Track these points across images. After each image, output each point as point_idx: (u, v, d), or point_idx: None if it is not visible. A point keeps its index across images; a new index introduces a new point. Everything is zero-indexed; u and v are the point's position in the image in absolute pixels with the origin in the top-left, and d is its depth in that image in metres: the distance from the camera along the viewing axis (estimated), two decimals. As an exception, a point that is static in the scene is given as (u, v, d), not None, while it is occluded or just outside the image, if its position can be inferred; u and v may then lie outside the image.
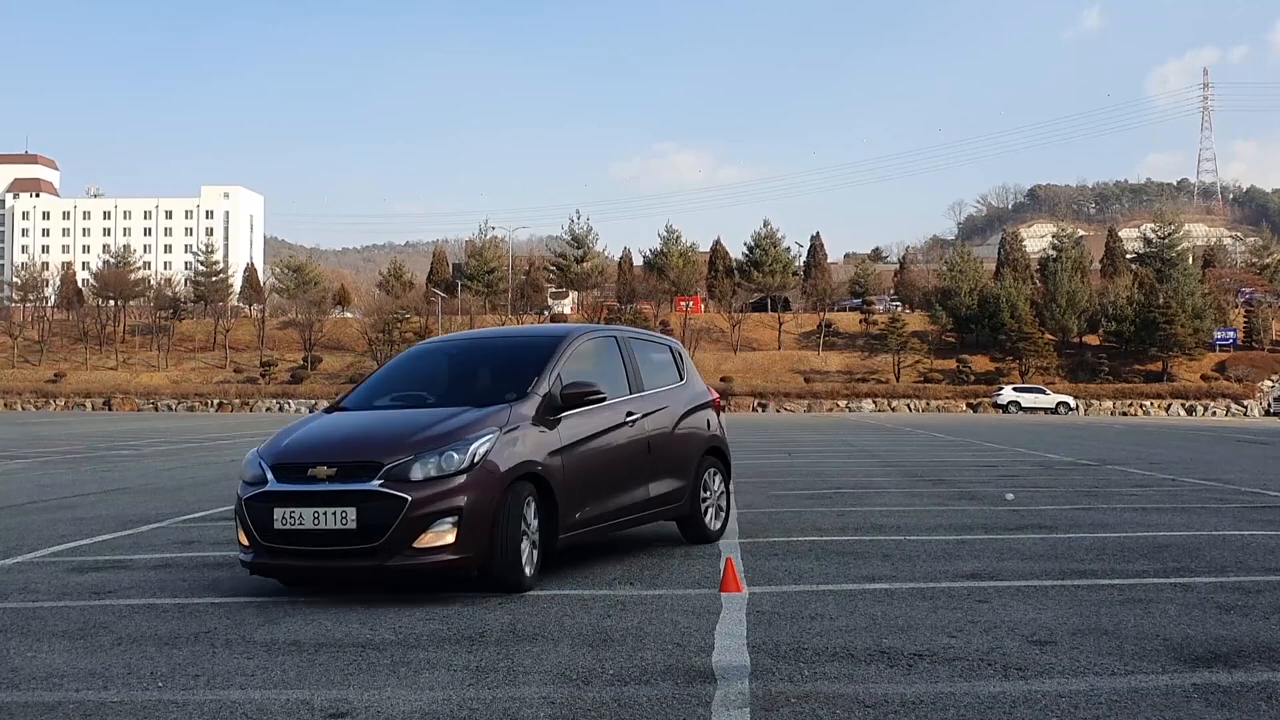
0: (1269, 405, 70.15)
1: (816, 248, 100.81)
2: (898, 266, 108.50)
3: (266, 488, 6.54)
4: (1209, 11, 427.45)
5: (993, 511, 11.16)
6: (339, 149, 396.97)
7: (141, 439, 29.36)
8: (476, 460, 6.47)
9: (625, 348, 8.44)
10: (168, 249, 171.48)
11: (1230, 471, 16.89)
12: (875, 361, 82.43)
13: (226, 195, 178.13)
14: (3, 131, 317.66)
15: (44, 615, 6.30)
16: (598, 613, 6.14)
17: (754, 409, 71.76)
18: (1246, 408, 70.48)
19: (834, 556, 8.13)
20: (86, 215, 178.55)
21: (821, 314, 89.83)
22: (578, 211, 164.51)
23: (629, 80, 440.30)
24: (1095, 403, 71.85)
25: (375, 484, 6.30)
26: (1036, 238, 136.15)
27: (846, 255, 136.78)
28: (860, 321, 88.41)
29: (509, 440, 6.71)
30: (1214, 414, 68.95)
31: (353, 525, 6.26)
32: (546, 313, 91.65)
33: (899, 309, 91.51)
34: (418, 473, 6.35)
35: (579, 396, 7.31)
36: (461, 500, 6.35)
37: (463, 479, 6.40)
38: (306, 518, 6.33)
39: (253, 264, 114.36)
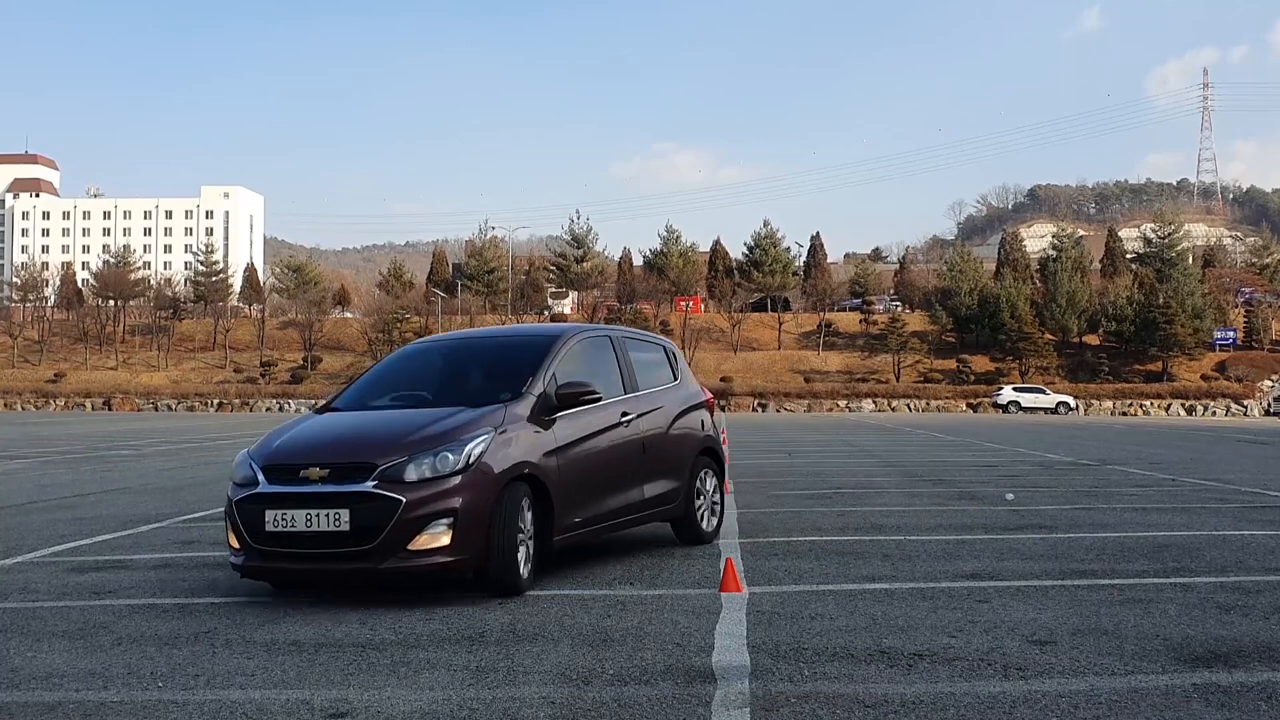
0: (1269, 405, 70.16)
1: (816, 248, 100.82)
2: (898, 266, 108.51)
3: (258, 489, 6.45)
4: (1209, 11, 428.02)
5: (993, 511, 11.16)
6: (339, 149, 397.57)
7: (141, 439, 29.36)
8: (472, 461, 6.39)
9: (619, 347, 8.36)
10: (168, 249, 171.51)
11: (1230, 471, 16.89)
12: (875, 361, 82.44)
13: (226, 195, 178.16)
14: (3, 131, 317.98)
15: (44, 615, 6.30)
16: (598, 613, 6.13)
17: (754, 409, 71.75)
18: (1246, 408, 70.49)
19: (834, 556, 8.12)
20: (86, 215, 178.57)
21: (821, 314, 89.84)
22: (578, 211, 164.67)
23: (629, 80, 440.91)
24: (1095, 403, 71.86)
25: (369, 485, 6.21)
26: (1036, 238, 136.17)
27: (846, 255, 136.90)
28: (860, 321, 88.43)
29: (504, 441, 6.62)
30: (1214, 414, 68.96)
31: (346, 527, 6.16)
32: (546, 313, 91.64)
33: (899, 309, 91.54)
34: (412, 474, 6.26)
35: (574, 396, 7.24)
36: (456, 502, 6.26)
37: (458, 480, 6.31)
38: (299, 520, 6.23)
39: (253, 264, 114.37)
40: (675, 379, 8.95)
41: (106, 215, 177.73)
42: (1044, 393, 69.68)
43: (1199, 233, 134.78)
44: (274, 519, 6.29)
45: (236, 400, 77.35)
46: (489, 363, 7.95)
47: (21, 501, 12.68)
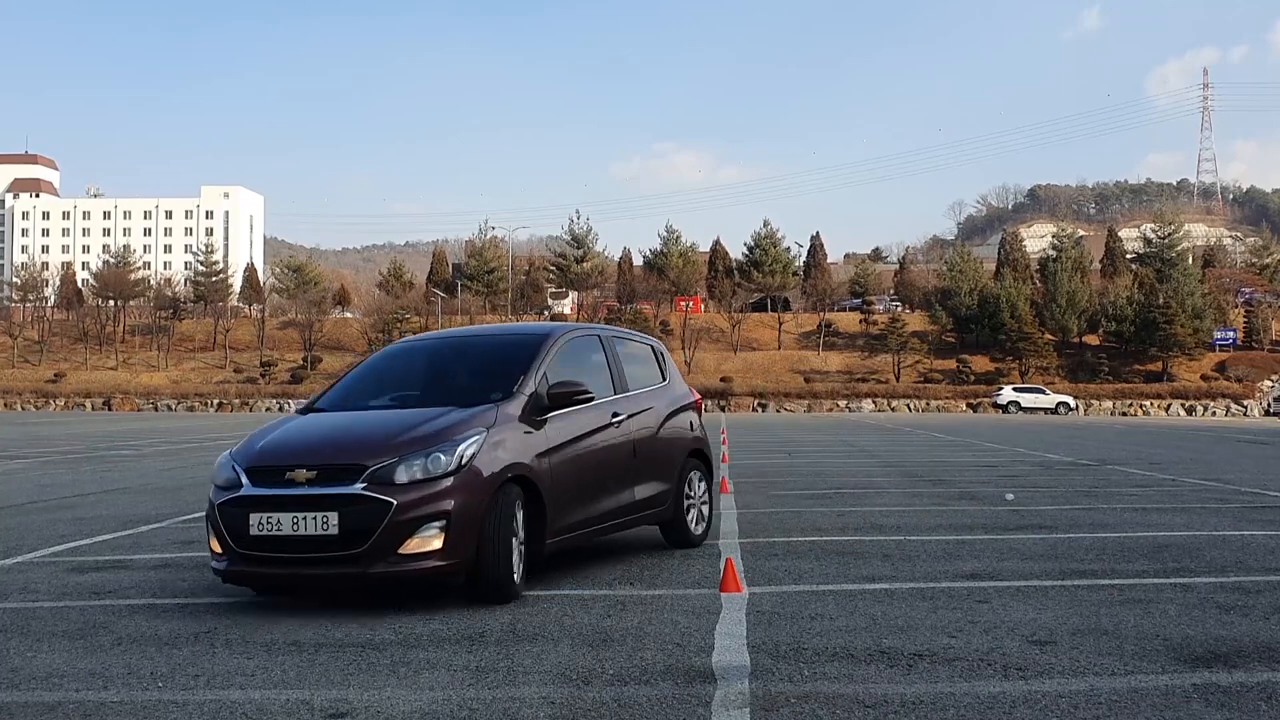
0: (1269, 405, 70.17)
1: (816, 248, 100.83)
2: (898, 266, 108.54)
3: (241, 492, 6.25)
4: (1209, 11, 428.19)
5: (993, 511, 11.16)
6: (339, 149, 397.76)
7: (141, 439, 29.36)
8: (464, 462, 6.22)
9: (609, 346, 8.19)
10: (168, 249, 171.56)
11: (1230, 471, 16.89)
12: (875, 361, 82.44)
13: (226, 195, 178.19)
14: (3, 131, 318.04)
15: (44, 615, 6.30)
16: (598, 613, 6.13)
17: (754, 409, 71.75)
18: (1246, 408, 70.49)
19: (834, 556, 8.12)
20: (86, 215, 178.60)
21: (821, 314, 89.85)
22: (578, 211, 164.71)
23: (629, 80, 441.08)
24: (1095, 403, 71.86)
25: (358, 487, 6.04)
26: (1036, 238, 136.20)
27: (846, 255, 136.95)
28: (860, 321, 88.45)
29: (496, 441, 6.46)
30: (1214, 414, 68.96)
31: (334, 531, 5.98)
32: (546, 312, 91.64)
33: (899, 309, 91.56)
34: (402, 475, 6.09)
35: (567, 396, 7.07)
36: (449, 504, 6.10)
37: (450, 482, 6.14)
38: (285, 523, 6.04)
39: (253, 264, 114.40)
40: (664, 379, 8.79)
41: (106, 215, 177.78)
42: (1044, 393, 69.69)
43: (1199, 233, 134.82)
44: (259, 522, 6.10)
45: (236, 400, 77.37)
46: (477, 362, 7.76)
47: (21, 501, 12.68)
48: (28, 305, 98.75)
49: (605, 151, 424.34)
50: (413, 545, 6.03)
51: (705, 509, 8.91)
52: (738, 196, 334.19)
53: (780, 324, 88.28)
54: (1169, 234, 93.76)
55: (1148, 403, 72.24)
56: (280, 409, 73.28)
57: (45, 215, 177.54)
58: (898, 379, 79.36)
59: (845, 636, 5.48)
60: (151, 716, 4.29)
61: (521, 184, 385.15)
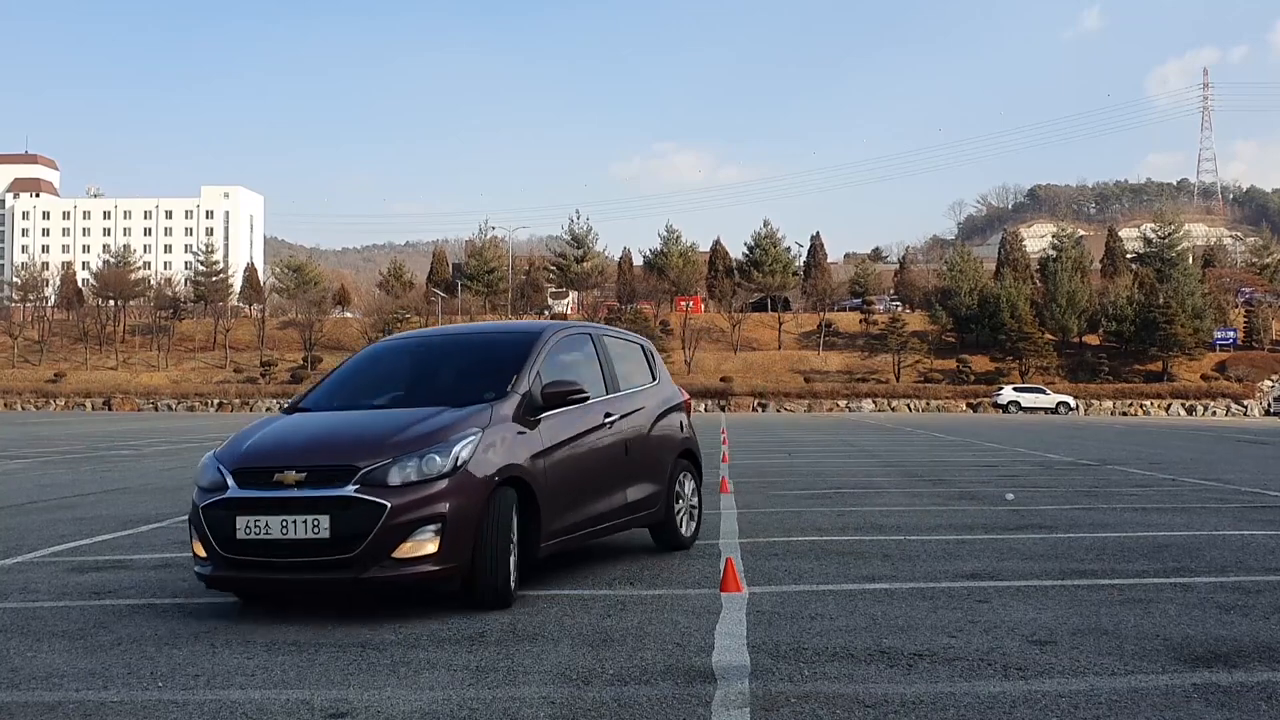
0: (1269, 405, 70.18)
1: (816, 248, 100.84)
2: (898, 266, 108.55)
3: (227, 494, 6.04)
4: (1209, 11, 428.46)
5: (993, 511, 11.16)
6: (339, 149, 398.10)
7: (141, 439, 29.36)
8: (460, 463, 6.04)
9: (600, 345, 8.01)
10: (168, 249, 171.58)
11: (1230, 471, 16.89)
12: (875, 361, 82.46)
13: (226, 195, 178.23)
14: (3, 131, 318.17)
15: (44, 615, 6.30)
16: (598, 613, 6.13)
17: (754, 409, 71.75)
18: (1246, 408, 70.50)
19: (834, 556, 8.12)
20: (86, 215, 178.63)
21: (821, 314, 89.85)
22: (578, 211, 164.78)
23: (629, 80, 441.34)
24: (1095, 403, 71.88)
25: (350, 489, 5.84)
26: (1036, 238, 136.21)
27: (846, 255, 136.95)
28: (860, 321, 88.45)
29: (491, 442, 6.27)
30: (1214, 414, 68.97)
31: (326, 534, 5.78)
32: (546, 312, 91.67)
33: (899, 309, 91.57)
34: (396, 477, 5.90)
35: (561, 396, 6.88)
36: (444, 506, 5.91)
37: (445, 484, 5.95)
38: (274, 527, 5.84)
39: (253, 264, 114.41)
40: (654, 379, 8.61)
41: (106, 215, 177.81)
42: (1044, 393, 69.70)
43: (1199, 233, 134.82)
44: (246, 526, 5.89)
45: (236, 400, 77.37)
46: (468, 360, 7.55)
47: (21, 501, 12.68)
48: (28, 305, 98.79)
49: (605, 151, 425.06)
50: (407, 549, 5.85)
51: (695, 511, 8.76)
52: (738, 196, 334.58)
53: (780, 324, 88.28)
54: (1169, 234, 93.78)
55: (1148, 403, 72.25)
56: (280, 409, 73.29)
57: (45, 215, 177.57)
58: (898, 379, 79.36)
59: (845, 636, 5.48)
60: (151, 716, 4.29)
61: (521, 184, 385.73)
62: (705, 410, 69.59)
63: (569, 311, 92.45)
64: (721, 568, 7.19)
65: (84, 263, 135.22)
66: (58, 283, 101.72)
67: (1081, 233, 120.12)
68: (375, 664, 5.04)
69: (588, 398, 7.18)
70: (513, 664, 4.99)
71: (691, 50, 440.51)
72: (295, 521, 5.83)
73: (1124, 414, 69.11)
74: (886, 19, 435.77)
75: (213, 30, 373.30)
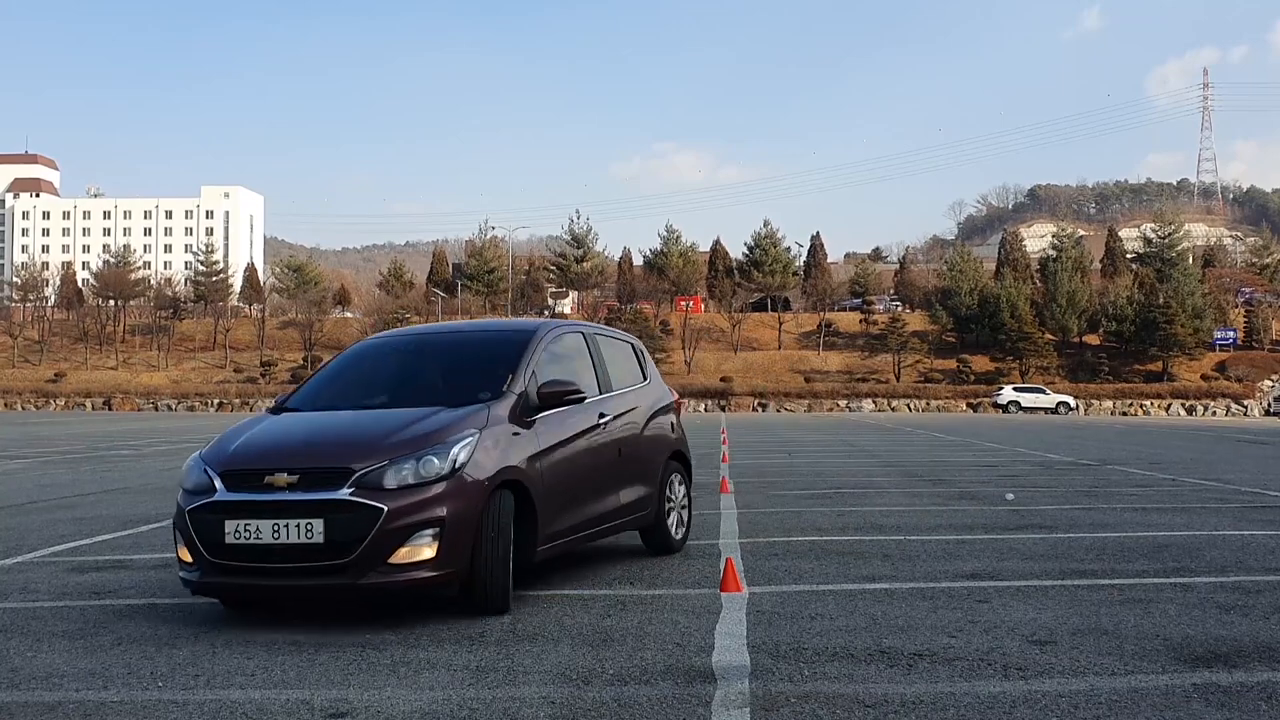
0: (1269, 405, 70.17)
1: (816, 248, 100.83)
2: (898, 266, 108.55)
3: (215, 497, 5.82)
4: (1209, 11, 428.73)
5: (993, 511, 11.16)
6: (339, 149, 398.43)
7: (141, 439, 29.36)
8: (458, 466, 5.85)
9: (593, 344, 7.87)
10: (168, 249, 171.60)
11: (1230, 471, 16.88)
12: (875, 361, 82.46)
13: (226, 195, 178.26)
14: (3, 131, 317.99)
15: (44, 615, 6.29)
16: (598, 613, 6.13)
17: (754, 409, 71.75)
18: (1246, 408, 70.50)
19: (834, 556, 8.12)
20: (86, 215, 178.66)
21: (821, 314, 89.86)
22: (578, 211, 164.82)
23: (629, 80, 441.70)
24: (1095, 403, 71.87)
25: (345, 493, 5.65)
26: (1036, 238, 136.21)
27: (846, 255, 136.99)
28: (860, 321, 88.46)
29: (489, 444, 6.09)
30: (1214, 414, 68.97)
31: (320, 539, 5.58)
32: (547, 312, 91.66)
33: (899, 309, 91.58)
34: (392, 480, 5.71)
35: (558, 396, 6.72)
36: (442, 510, 5.72)
37: (443, 487, 5.77)
38: (265, 531, 5.63)
39: (253, 264, 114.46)
40: (645, 379, 8.46)
41: (106, 215, 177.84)
42: (1044, 393, 69.69)
43: (1199, 233, 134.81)
44: (235, 530, 5.68)
45: (237, 400, 77.34)
46: (462, 359, 7.35)
47: (21, 501, 12.68)
48: (28, 305, 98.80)
49: (605, 151, 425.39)
50: (404, 554, 5.66)
51: (685, 513, 8.62)
52: (738, 196, 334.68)
53: (780, 324, 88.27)
54: (1169, 234, 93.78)
55: (1148, 402, 72.25)
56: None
57: (45, 215, 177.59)
58: (898, 379, 79.36)
59: (845, 636, 5.48)
60: (151, 716, 4.29)
61: (521, 184, 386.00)
62: (705, 410, 69.61)
63: (569, 312, 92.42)
64: (721, 568, 7.19)
65: (84, 263, 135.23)
66: (58, 283, 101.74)
67: (1081, 233, 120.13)
68: (375, 664, 5.04)
69: (584, 398, 7.09)
70: (513, 664, 4.99)
71: (691, 50, 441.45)
72: (288, 526, 5.63)
73: (1124, 414, 69.11)
74: (886, 19, 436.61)
75: (213, 30, 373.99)
